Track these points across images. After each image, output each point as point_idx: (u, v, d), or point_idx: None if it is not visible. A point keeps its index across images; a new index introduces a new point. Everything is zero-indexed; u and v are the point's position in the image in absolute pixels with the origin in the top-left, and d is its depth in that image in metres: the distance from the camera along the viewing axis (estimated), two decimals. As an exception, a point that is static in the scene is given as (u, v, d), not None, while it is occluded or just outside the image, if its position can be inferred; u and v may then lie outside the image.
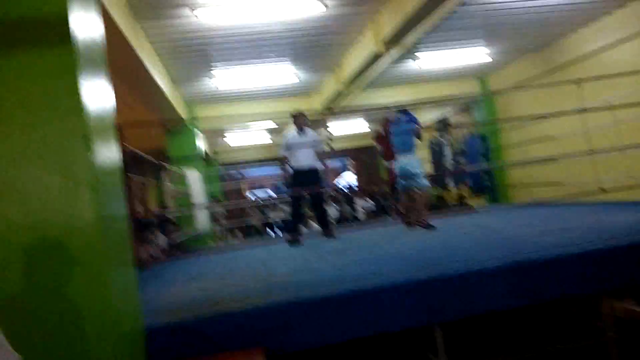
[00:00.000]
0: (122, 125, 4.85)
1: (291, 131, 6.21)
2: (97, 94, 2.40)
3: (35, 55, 2.15)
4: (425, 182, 5.69)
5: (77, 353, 2.05)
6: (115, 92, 2.70)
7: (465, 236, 4.91)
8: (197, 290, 3.62)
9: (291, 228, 6.24)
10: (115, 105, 2.67)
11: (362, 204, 11.47)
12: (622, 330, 3.08)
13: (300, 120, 6.07)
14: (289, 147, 6.00)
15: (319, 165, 6.04)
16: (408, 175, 5.58)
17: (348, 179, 18.55)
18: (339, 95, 8.90)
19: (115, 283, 2.17)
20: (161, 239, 6.57)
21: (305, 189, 5.92)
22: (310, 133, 6.10)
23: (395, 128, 5.83)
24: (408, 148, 5.63)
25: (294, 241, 5.93)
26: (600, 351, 3.16)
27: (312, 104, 10.24)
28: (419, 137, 5.70)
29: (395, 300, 2.85)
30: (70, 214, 2.08)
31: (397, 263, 3.68)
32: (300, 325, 2.72)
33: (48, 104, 2.14)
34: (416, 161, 5.66)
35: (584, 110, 4.90)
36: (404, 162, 5.65)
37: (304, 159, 5.95)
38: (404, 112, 5.85)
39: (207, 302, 3.06)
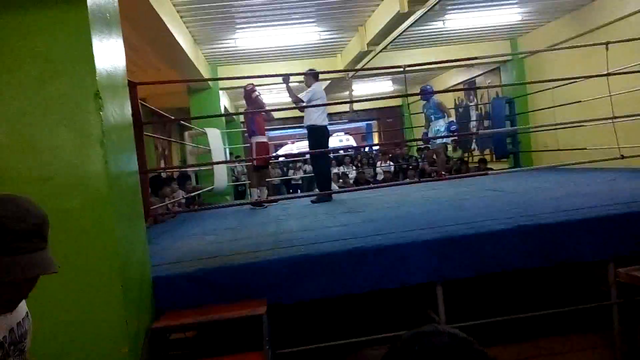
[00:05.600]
0: (146, 85, 4.97)
1: (315, 87, 6.22)
2: (109, 52, 2.47)
3: (50, 11, 2.20)
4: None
5: (84, 298, 2.19)
6: (141, 54, 2.75)
7: (479, 199, 4.91)
8: (207, 244, 3.77)
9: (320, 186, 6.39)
10: (125, 64, 2.74)
11: (382, 166, 11.50)
12: (625, 295, 3.08)
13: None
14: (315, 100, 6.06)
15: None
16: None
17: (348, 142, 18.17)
18: (363, 55, 8.78)
19: (122, 233, 2.28)
20: (180, 194, 6.75)
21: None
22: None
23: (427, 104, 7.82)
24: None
25: (321, 199, 6.05)
26: (604, 315, 3.18)
27: (336, 65, 10.14)
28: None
29: (397, 258, 2.92)
30: (80, 167, 2.18)
31: (405, 223, 3.73)
32: (302, 280, 2.82)
33: (61, 60, 2.21)
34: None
35: (608, 75, 4.72)
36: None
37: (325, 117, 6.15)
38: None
39: (215, 255, 3.19)
